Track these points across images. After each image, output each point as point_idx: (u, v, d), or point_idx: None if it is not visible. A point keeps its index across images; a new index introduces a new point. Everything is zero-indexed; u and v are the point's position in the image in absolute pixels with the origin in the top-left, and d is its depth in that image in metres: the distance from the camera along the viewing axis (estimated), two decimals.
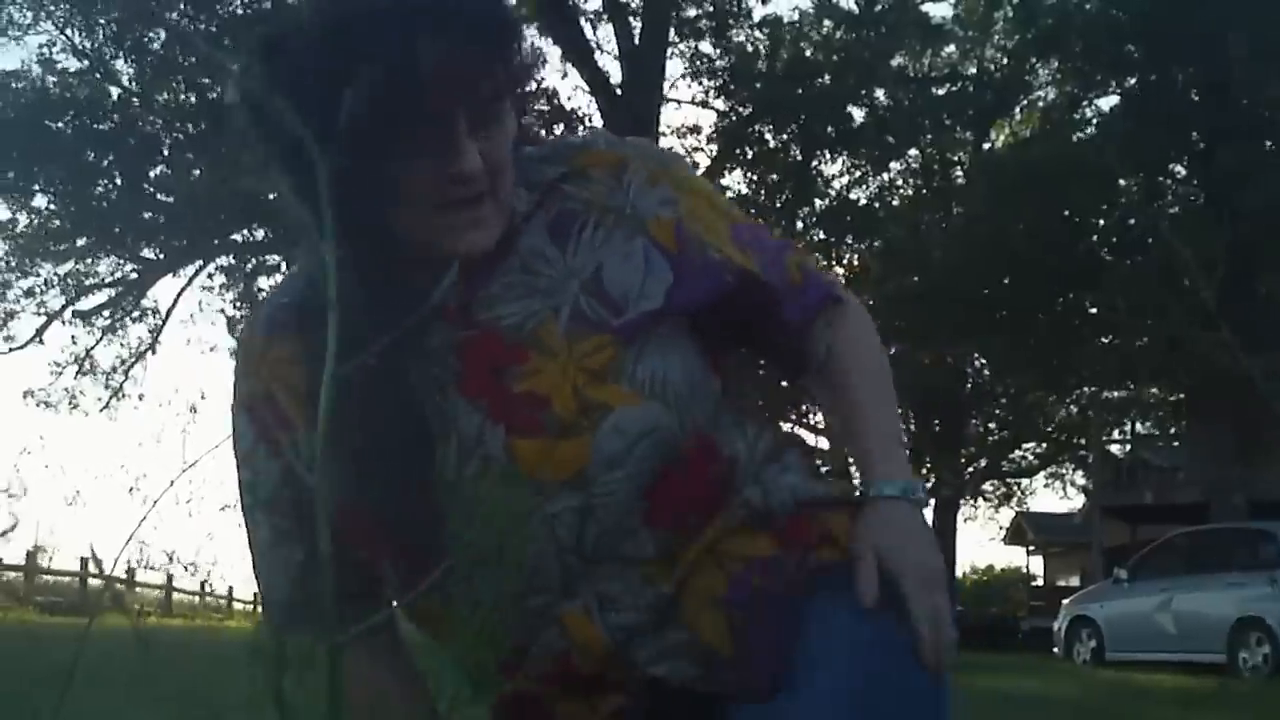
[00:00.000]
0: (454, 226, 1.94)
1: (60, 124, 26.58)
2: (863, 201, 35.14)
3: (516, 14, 2.26)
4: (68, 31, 27.07)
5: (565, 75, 31.41)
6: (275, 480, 2.14)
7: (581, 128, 28.66)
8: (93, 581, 32.18)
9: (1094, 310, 29.93)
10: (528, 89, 2.12)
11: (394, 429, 2.03)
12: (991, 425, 40.83)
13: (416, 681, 2.21)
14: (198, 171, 26.91)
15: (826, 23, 31.51)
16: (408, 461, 2.05)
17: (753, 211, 33.65)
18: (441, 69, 1.85)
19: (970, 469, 40.56)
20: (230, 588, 46.78)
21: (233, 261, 30.87)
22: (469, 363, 2.03)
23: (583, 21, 29.11)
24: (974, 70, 35.18)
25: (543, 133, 2.42)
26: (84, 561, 32.03)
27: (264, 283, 30.58)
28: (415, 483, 2.04)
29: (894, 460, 2.18)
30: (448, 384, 2.03)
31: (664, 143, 29.43)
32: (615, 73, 28.58)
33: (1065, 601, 26.68)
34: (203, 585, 44.85)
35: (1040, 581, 52.14)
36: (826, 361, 2.26)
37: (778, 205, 33.23)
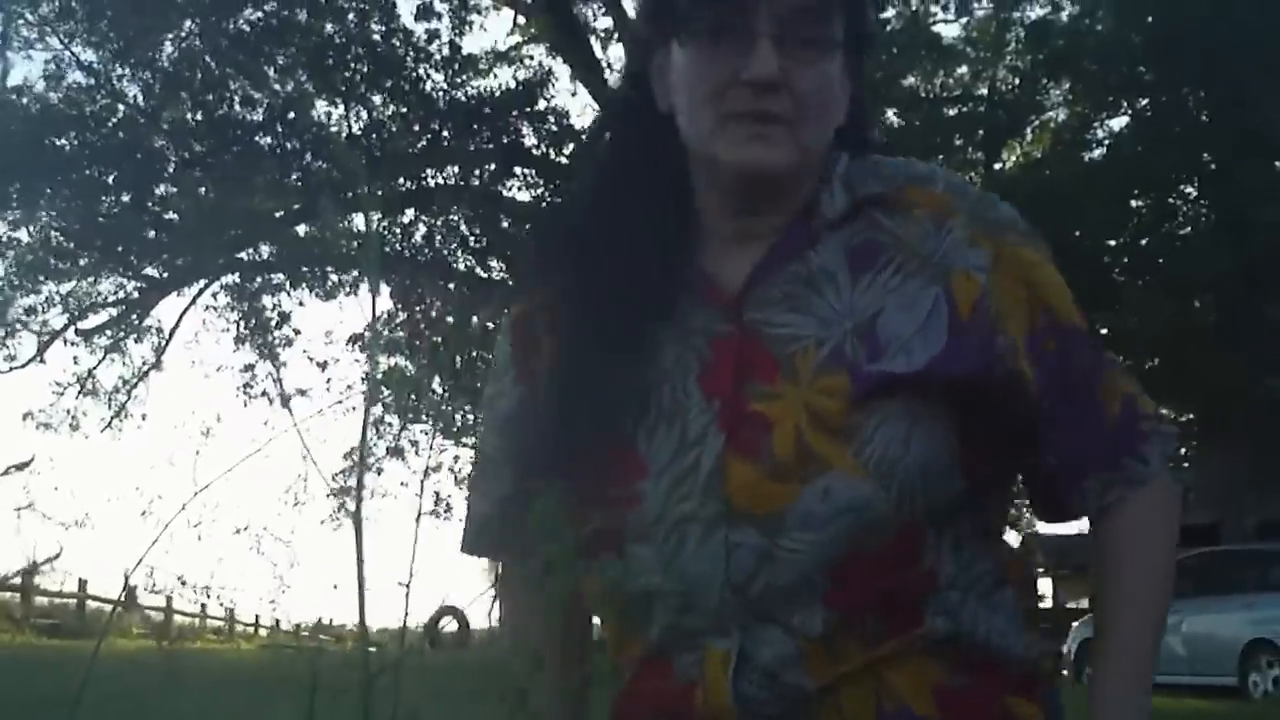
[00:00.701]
0: (736, 138, 1.94)
1: (65, 140, 26.44)
2: None
3: None
4: (74, 47, 26.98)
5: (575, 94, 31.38)
6: (512, 405, 2.20)
7: None
8: (91, 604, 32.15)
9: (1105, 331, 29.87)
10: (862, 49, 2.06)
11: (613, 386, 2.02)
12: None
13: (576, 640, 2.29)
14: (203, 190, 26.78)
15: None
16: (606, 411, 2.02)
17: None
18: None
19: None
20: (230, 610, 46.62)
21: (237, 281, 30.75)
22: (719, 357, 1.99)
23: (592, 40, 29.07)
24: (985, 91, 35.05)
25: (869, 136, 2.28)
26: (82, 584, 32.00)
27: (268, 302, 30.53)
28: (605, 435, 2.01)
29: (1130, 710, 1.97)
30: (691, 369, 1.99)
31: None
32: None
33: (1075, 624, 26.60)
34: (203, 608, 44.77)
35: (1050, 604, 52.03)
36: (1101, 537, 2.05)
37: None
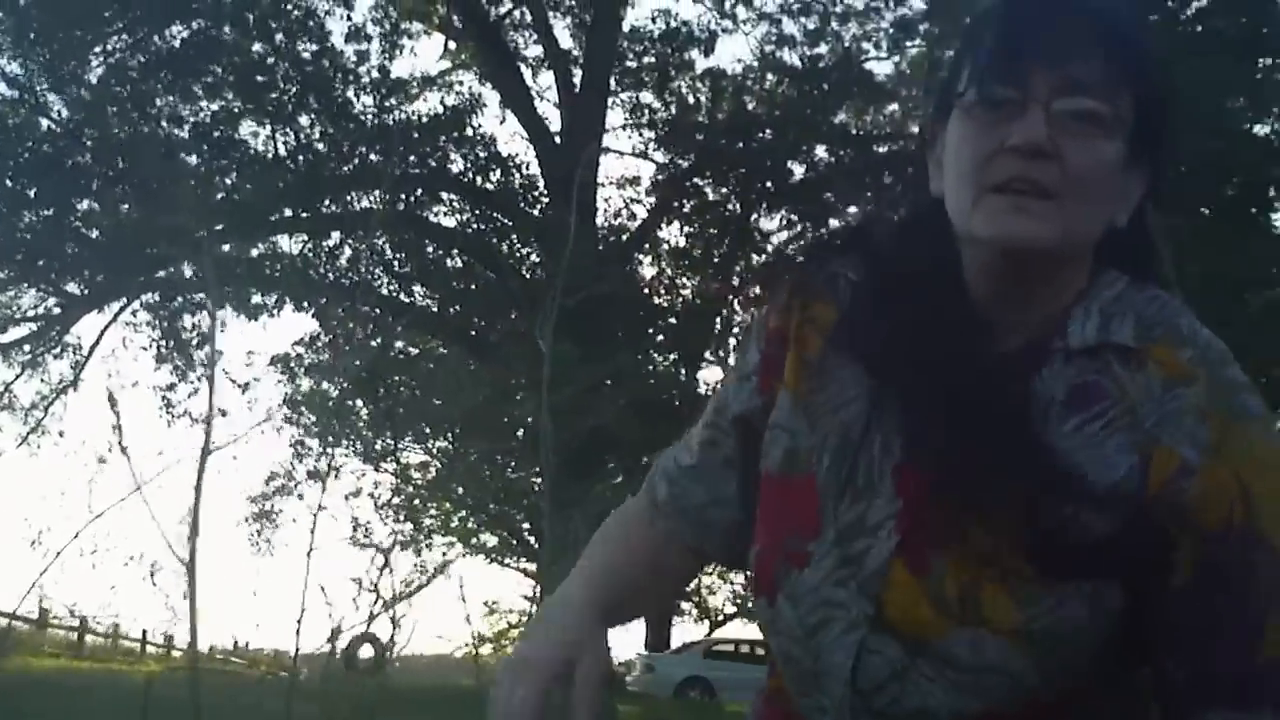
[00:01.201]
0: (996, 208, 1.83)
1: None
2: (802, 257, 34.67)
3: (1158, 62, 1.96)
4: None
5: (503, 121, 31.21)
6: (733, 414, 2.18)
7: (517, 175, 28.44)
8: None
9: None
10: (1157, 148, 1.93)
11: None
12: None
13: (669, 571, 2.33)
14: (126, 207, 26.52)
15: (769, 77, 31.38)
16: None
17: (686, 264, 33.56)
18: (1058, 41, 1.83)
19: None
20: (144, 631, 46.33)
21: (157, 299, 30.46)
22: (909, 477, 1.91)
23: (522, 68, 28.97)
24: (916, 129, 35.13)
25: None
26: None
27: (188, 321, 30.25)
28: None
29: None
30: (893, 453, 1.92)
31: (600, 194, 29.36)
32: (554, 120, 28.42)
33: None
34: (116, 628, 44.47)
35: None
36: None
37: (715, 259, 33.02)
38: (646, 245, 31.98)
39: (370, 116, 27.61)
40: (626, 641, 42.30)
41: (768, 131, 30.48)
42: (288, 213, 27.15)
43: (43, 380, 32.64)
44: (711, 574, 42.88)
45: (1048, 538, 1.78)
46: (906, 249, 2.03)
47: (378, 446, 31.61)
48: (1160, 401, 1.79)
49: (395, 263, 28.67)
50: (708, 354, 34.98)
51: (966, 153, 1.86)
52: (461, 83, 29.96)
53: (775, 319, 2.13)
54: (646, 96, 30.35)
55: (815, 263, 2.16)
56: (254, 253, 29.15)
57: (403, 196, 27.76)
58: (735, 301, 34.70)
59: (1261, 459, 1.78)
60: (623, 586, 2.28)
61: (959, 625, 1.80)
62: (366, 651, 28.94)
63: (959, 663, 1.80)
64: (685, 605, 50.18)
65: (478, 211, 28.70)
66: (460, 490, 30.10)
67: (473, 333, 27.49)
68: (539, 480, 23.39)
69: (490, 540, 32.66)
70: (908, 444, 1.90)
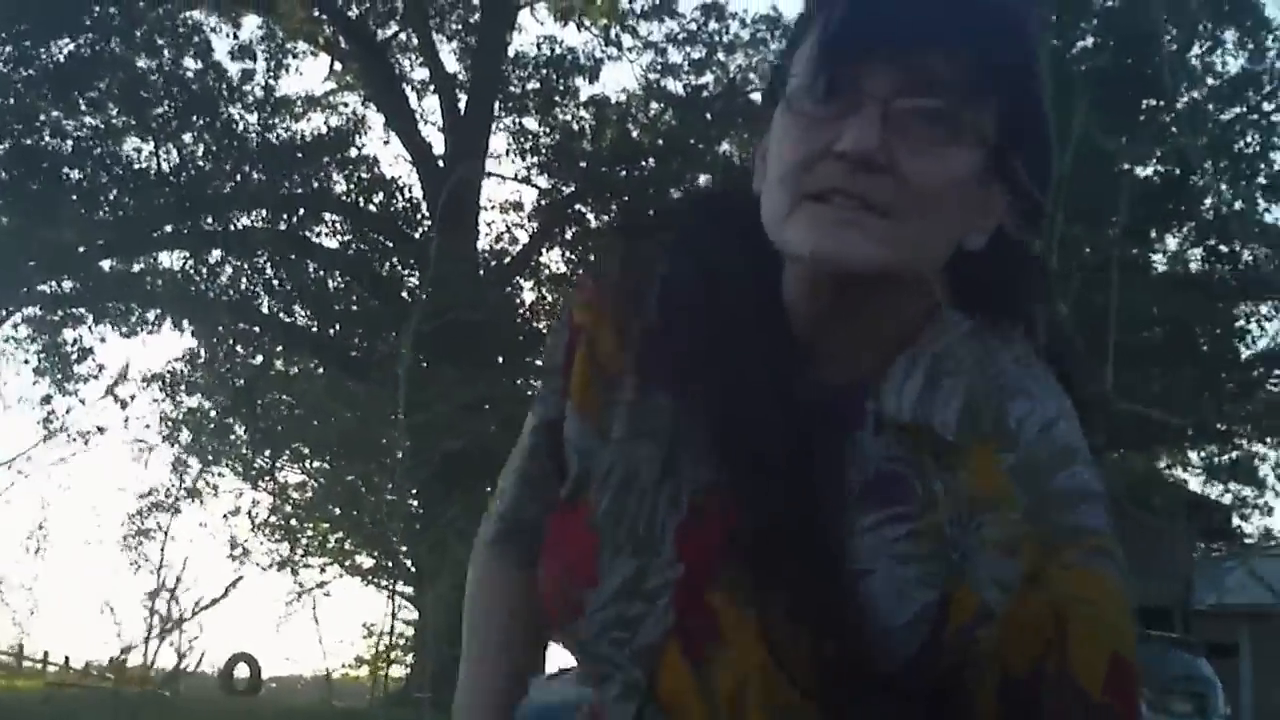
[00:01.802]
0: (812, 221, 1.59)
1: None
2: None
3: (1032, 61, 1.68)
4: None
5: (387, 143, 31.20)
6: (540, 418, 1.96)
7: (399, 198, 28.40)
8: None
9: None
10: (1030, 178, 1.69)
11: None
12: None
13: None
14: (7, 219, 26.30)
15: (653, 105, 31.47)
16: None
17: (568, 289, 33.51)
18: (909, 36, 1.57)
19: None
20: (19, 645, 45.81)
21: (39, 313, 30.20)
22: (708, 516, 1.70)
23: (407, 90, 28.96)
24: None
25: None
26: None
27: (69, 334, 30.02)
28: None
29: None
30: (679, 510, 1.72)
31: (484, 217, 29.38)
32: (438, 144, 28.43)
33: None
34: None
35: None
36: None
37: None
38: (528, 270, 32.00)
39: (254, 135, 27.50)
40: None
41: (651, 160, 30.54)
42: (169, 229, 26.97)
43: None
44: None
45: (828, 663, 1.59)
46: (726, 248, 1.80)
47: (256, 465, 31.49)
48: (966, 529, 1.59)
49: (276, 282, 28.51)
50: None
51: (788, 152, 1.65)
52: (346, 104, 29.93)
53: (578, 311, 1.92)
54: (530, 122, 30.35)
55: (632, 249, 1.99)
56: (135, 268, 28.99)
57: (285, 216, 27.64)
58: None
59: (1081, 592, 1.57)
60: (518, 669, 2.10)
61: None
62: (243, 670, 28.74)
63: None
64: None
65: (359, 233, 28.64)
66: (337, 511, 30.03)
67: (352, 353, 27.43)
68: (416, 502, 23.43)
69: (367, 562, 32.54)
70: (695, 499, 1.71)
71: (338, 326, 28.62)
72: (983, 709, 1.56)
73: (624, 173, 30.23)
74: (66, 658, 49.68)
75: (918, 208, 1.57)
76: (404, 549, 30.49)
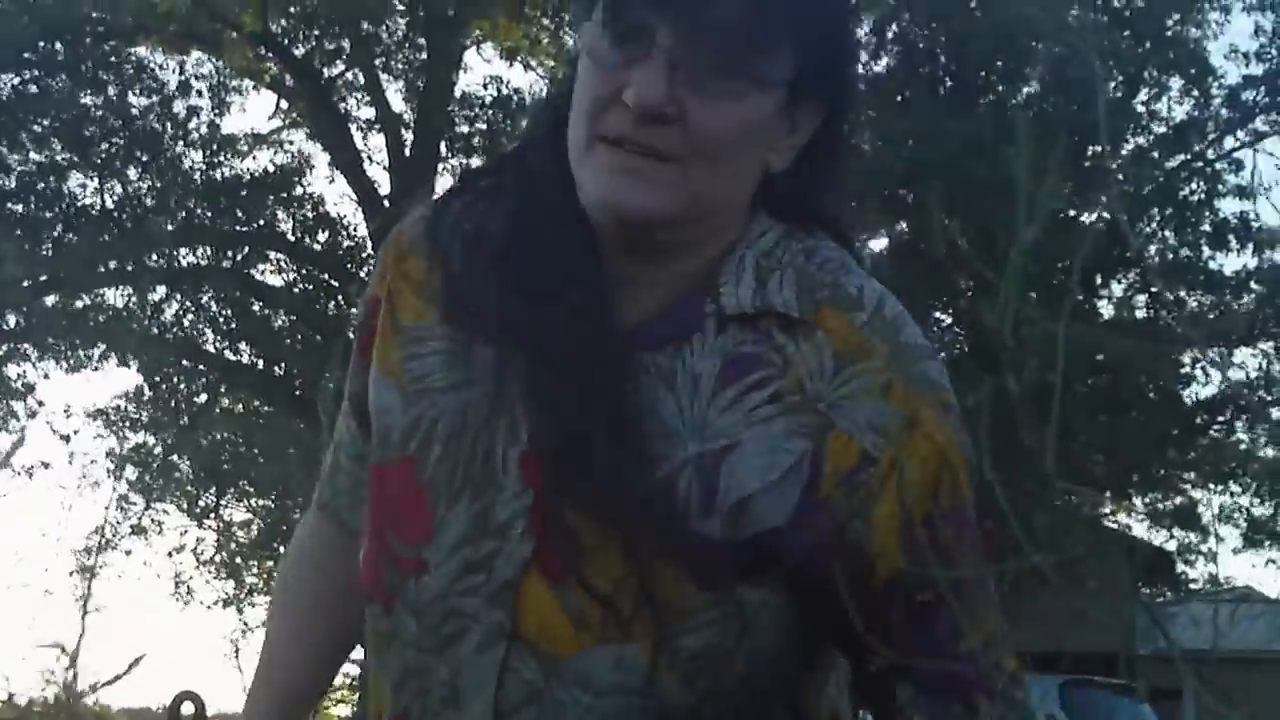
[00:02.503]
0: (605, 166, 1.63)
1: None
2: None
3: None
4: None
5: (333, 181, 31.18)
6: (347, 394, 2.02)
7: (345, 237, 28.38)
8: None
9: None
10: (833, 97, 1.76)
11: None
12: None
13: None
14: None
15: None
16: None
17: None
18: None
19: None
20: None
21: None
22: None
23: (353, 129, 28.91)
24: None
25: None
26: None
27: (12, 370, 29.93)
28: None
29: None
30: (518, 438, 1.73)
31: None
32: (384, 183, 28.39)
33: None
34: None
35: None
36: None
37: None
38: None
39: (199, 172, 27.42)
40: None
41: None
42: (114, 265, 26.89)
43: None
44: None
45: (700, 540, 1.62)
46: (536, 192, 1.80)
47: (201, 502, 31.41)
48: (833, 380, 1.65)
49: (221, 319, 28.43)
50: None
51: (584, 92, 1.68)
52: (292, 141, 29.84)
53: (374, 284, 1.96)
54: (477, 162, 30.34)
55: (429, 210, 1.96)
56: (79, 304, 28.89)
57: (230, 253, 27.58)
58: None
59: (945, 440, 1.66)
60: (311, 663, 2.18)
61: (597, 641, 1.63)
62: (188, 709, 28.77)
63: (598, 681, 1.63)
64: None
65: (305, 271, 28.58)
66: (283, 549, 29.95)
67: (297, 392, 27.35)
68: None
69: None
70: (529, 429, 1.71)
71: (283, 365, 28.52)
72: (872, 562, 1.63)
73: None
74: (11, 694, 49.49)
75: (709, 154, 1.62)
76: None
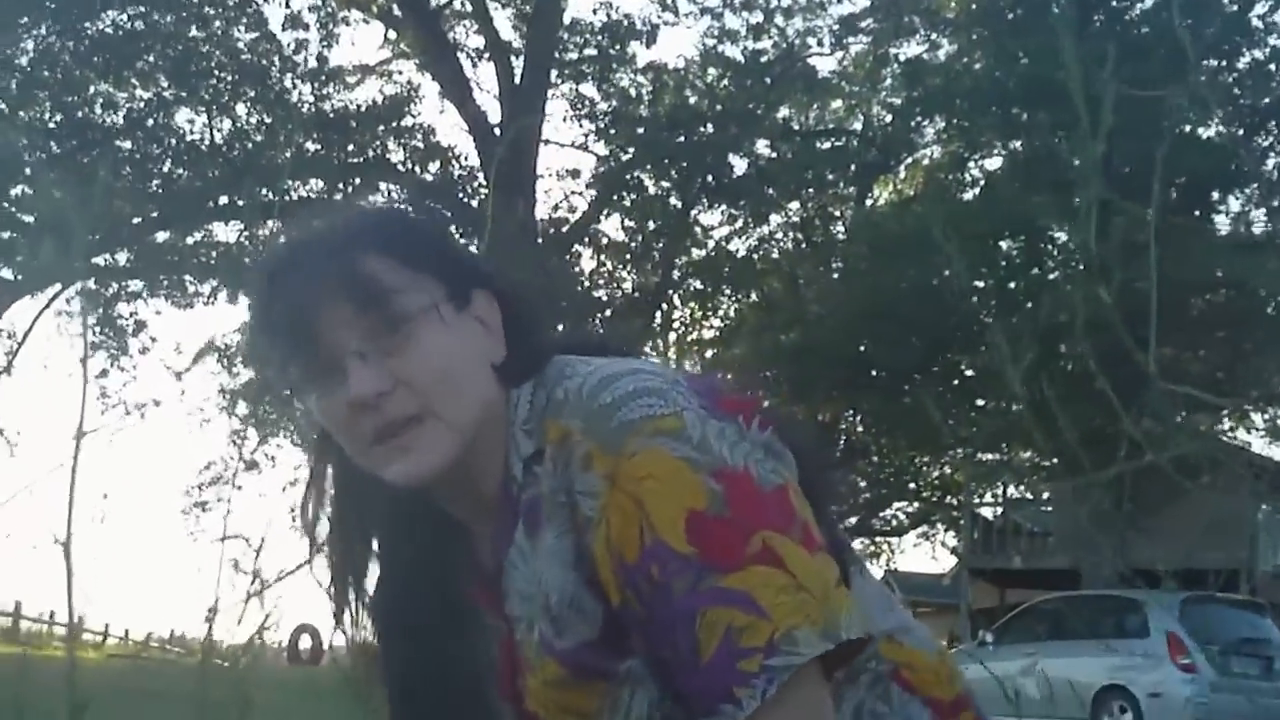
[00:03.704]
0: (381, 462, 1.83)
1: None
2: (741, 253, 34.70)
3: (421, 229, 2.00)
4: None
5: (442, 111, 31.06)
6: None
7: (456, 166, 28.25)
8: None
9: (970, 373, 29.85)
10: (472, 287, 1.93)
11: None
12: (862, 483, 40.76)
13: None
14: (60, 193, 26.21)
15: (711, 71, 31.26)
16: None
17: (626, 257, 33.40)
18: (306, 291, 1.82)
19: (840, 526, 40.25)
20: (80, 618, 46.20)
21: (93, 286, 30.20)
22: (501, 660, 1.98)
23: (462, 58, 28.74)
24: (859, 126, 35.03)
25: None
26: None
27: (124, 309, 30.01)
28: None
29: None
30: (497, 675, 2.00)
31: (541, 185, 29.20)
32: (494, 112, 28.22)
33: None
34: (51, 614, 44.48)
35: None
36: None
37: (654, 253, 32.89)
38: (586, 238, 31.86)
39: (308, 105, 27.35)
40: None
41: (709, 126, 30.39)
42: (223, 201, 26.89)
43: None
44: None
45: (561, 659, 1.82)
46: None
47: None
48: (562, 473, 1.78)
49: None
50: (647, 348, 34.85)
51: (330, 425, 1.88)
52: (400, 72, 29.86)
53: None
54: (587, 89, 30.26)
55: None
56: (189, 241, 28.93)
57: (340, 185, 27.56)
58: (675, 295, 34.57)
59: (643, 473, 1.73)
60: None
61: None
62: (306, 642, 28.83)
63: None
64: None
65: (416, 202, 28.49)
66: None
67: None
68: None
69: None
70: None
71: None
72: (628, 610, 1.75)
73: (682, 138, 30.06)
74: (126, 630, 50.13)
75: (442, 390, 1.82)
76: None
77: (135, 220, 27.31)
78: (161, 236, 28.36)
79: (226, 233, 28.76)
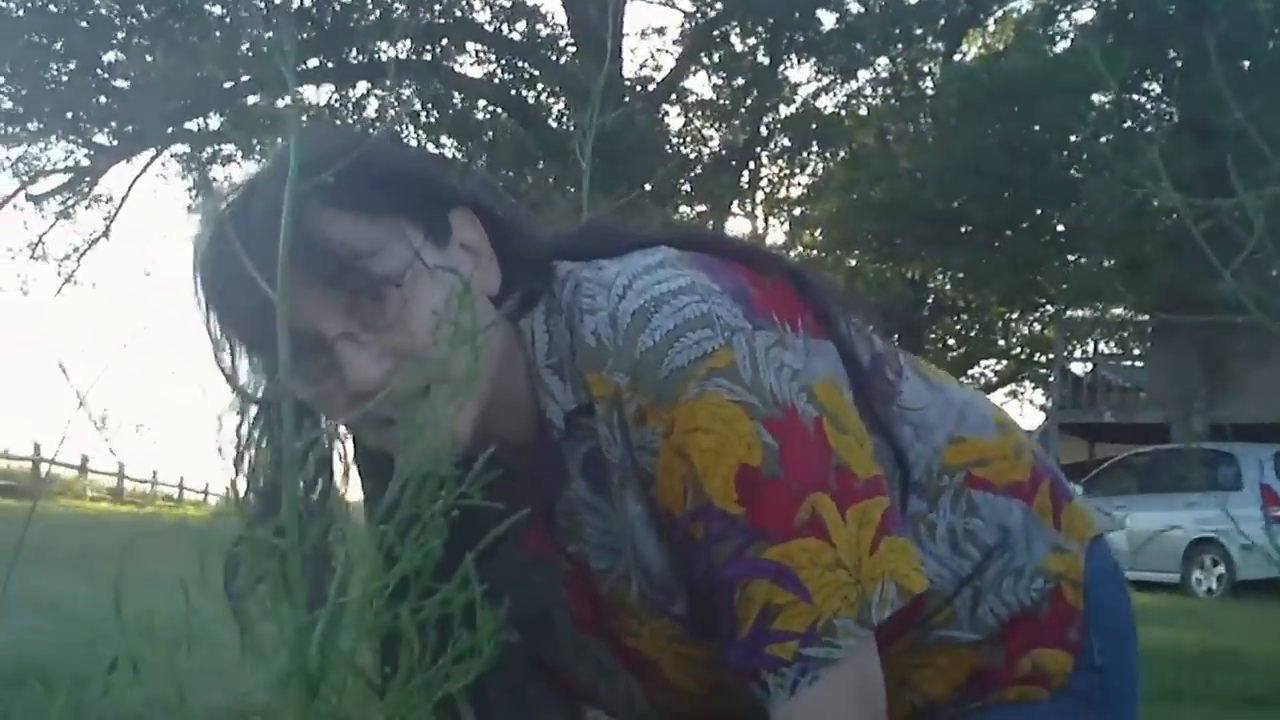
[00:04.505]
0: (396, 439, 1.57)
1: (11, 3, 26.01)
2: (830, 109, 34.41)
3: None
4: None
5: None
6: None
7: (543, 25, 28.18)
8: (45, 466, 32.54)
9: (1061, 228, 29.67)
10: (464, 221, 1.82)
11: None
12: (951, 341, 40.71)
13: None
14: (152, 58, 26.40)
15: None
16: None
17: (713, 115, 33.29)
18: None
19: (879, 345, 40.09)
20: (181, 477, 46.99)
21: (188, 150, 30.43)
22: (574, 597, 1.93)
23: None
24: None
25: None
26: (36, 447, 32.41)
27: (219, 172, 30.20)
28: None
29: None
30: (565, 608, 1.95)
31: (628, 44, 29.10)
32: None
33: None
34: (154, 474, 45.19)
35: None
36: None
37: (743, 110, 32.77)
38: (673, 96, 31.76)
39: None
40: None
41: None
42: (314, 63, 26.95)
43: (75, 231, 32.94)
44: None
45: (677, 620, 1.86)
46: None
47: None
48: (619, 434, 1.75)
49: (422, 113, 28.50)
50: (735, 206, 34.83)
51: (327, 413, 1.77)
52: None
53: None
54: None
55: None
56: (279, 103, 29.04)
57: (428, 46, 27.57)
58: (763, 153, 34.46)
59: (698, 422, 1.70)
60: None
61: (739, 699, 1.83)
62: None
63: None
64: None
65: (504, 61, 28.49)
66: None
67: (500, 183, 27.35)
68: None
69: None
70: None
71: (485, 156, 28.52)
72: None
73: None
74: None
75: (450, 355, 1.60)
76: None
77: (226, 84, 27.43)
78: (252, 99, 28.46)
79: (317, 95, 28.84)
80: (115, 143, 29.67)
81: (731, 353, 1.70)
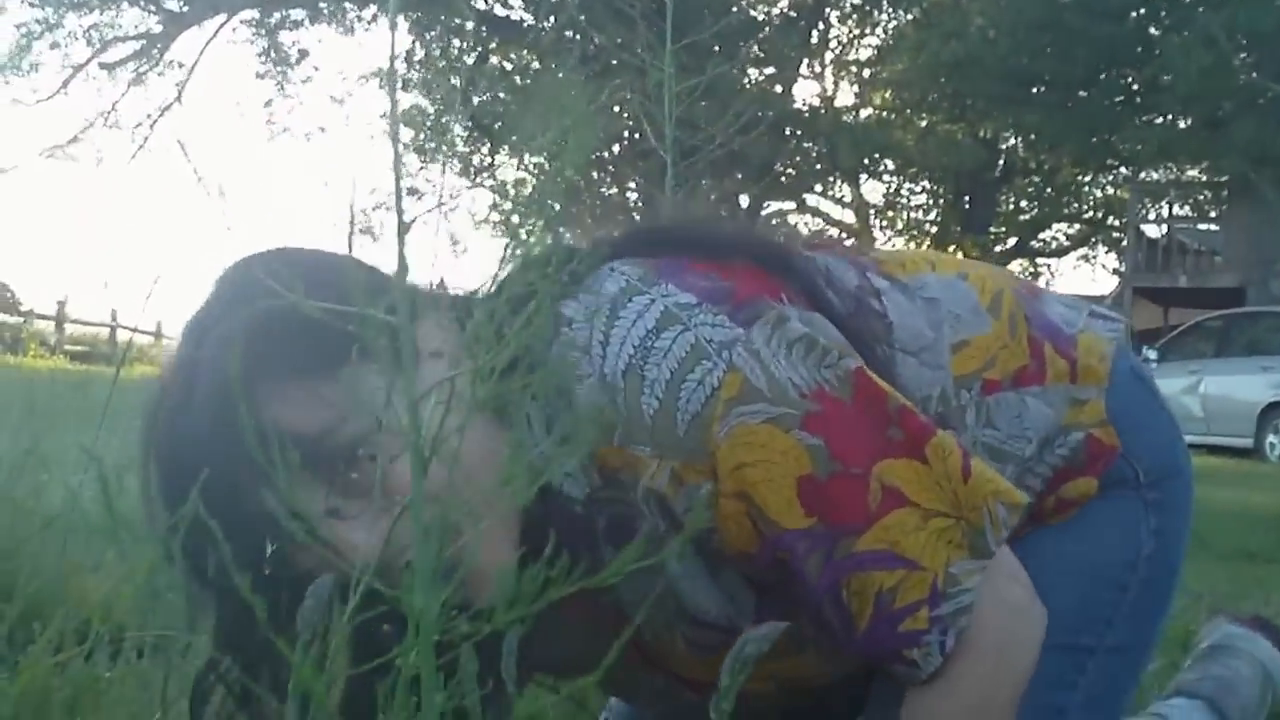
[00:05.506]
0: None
1: None
2: None
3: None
4: None
5: None
6: None
7: None
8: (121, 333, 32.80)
9: (1137, 86, 29.33)
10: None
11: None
12: (1023, 203, 40.46)
13: None
14: None
15: None
16: None
17: None
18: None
19: (999, 248, 40.08)
20: None
21: (257, 15, 30.42)
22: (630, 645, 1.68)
23: None
24: None
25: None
26: (113, 314, 32.59)
27: (286, 37, 30.18)
28: None
29: None
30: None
31: None
32: None
33: None
34: None
35: None
36: None
37: None
38: None
39: None
40: None
41: None
42: None
43: (147, 99, 33.11)
44: None
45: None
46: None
47: (474, 162, 31.67)
48: (652, 510, 1.69)
49: None
50: (803, 69, 34.60)
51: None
52: None
53: None
54: None
55: None
56: None
57: None
58: (831, 13, 34.20)
59: (740, 456, 1.64)
60: None
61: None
62: None
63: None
64: None
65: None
66: (556, 207, 30.26)
67: (568, 46, 27.23)
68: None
69: None
70: None
71: (553, 18, 28.40)
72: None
73: None
74: None
75: (459, 499, 1.43)
76: None
77: None
78: None
79: None
80: (185, 8, 29.70)
81: (738, 374, 1.64)
